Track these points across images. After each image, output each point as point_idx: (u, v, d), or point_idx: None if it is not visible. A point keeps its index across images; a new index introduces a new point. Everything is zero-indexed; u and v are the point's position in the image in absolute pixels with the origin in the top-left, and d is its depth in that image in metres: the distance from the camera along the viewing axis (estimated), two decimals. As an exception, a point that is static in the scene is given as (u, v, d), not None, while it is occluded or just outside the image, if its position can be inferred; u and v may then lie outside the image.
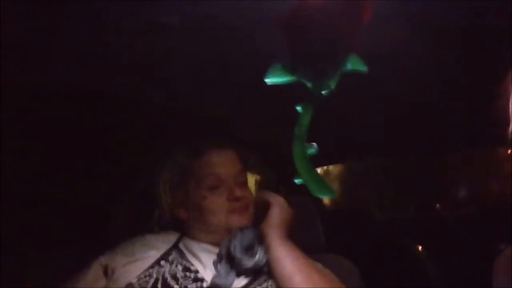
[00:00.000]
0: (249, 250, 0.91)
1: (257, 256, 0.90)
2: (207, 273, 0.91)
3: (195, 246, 0.97)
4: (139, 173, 1.27)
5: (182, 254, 0.95)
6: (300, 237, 1.12)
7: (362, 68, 0.61)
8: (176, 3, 0.77)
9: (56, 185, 1.24)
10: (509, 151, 0.54)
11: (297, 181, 0.63)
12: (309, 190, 0.64)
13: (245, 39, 0.87)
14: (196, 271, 0.91)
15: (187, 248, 0.97)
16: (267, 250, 0.91)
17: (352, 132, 1.47)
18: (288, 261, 0.88)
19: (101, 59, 0.94)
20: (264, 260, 0.90)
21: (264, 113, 1.27)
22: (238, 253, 0.89)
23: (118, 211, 1.23)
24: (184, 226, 1.02)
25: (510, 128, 0.51)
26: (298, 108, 0.63)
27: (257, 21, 0.75)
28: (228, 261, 0.90)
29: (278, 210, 0.95)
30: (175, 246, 0.97)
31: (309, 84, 0.61)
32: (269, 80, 0.61)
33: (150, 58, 0.96)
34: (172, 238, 1.00)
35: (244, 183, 1.03)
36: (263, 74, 0.63)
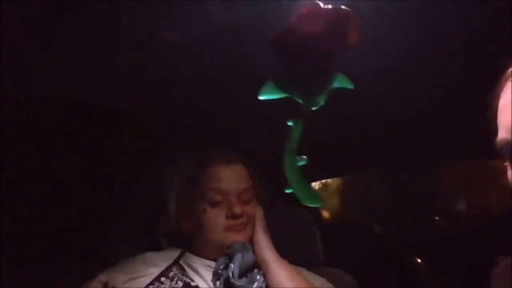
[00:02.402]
0: (248, 274, 0.90)
1: (255, 284, 0.88)
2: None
3: (196, 261, 0.97)
4: (139, 185, 1.27)
5: (183, 271, 0.95)
6: (298, 250, 1.12)
7: (349, 86, 0.65)
8: (176, 19, 0.78)
9: (56, 199, 1.24)
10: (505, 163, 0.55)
11: (287, 190, 0.67)
12: (299, 199, 0.68)
13: (240, 55, 0.88)
14: (196, 287, 0.91)
15: (188, 264, 0.97)
16: (264, 274, 0.91)
17: (350, 146, 1.47)
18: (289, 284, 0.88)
19: (102, 72, 0.95)
20: (264, 286, 0.89)
21: (261, 126, 1.28)
22: (237, 279, 0.87)
23: (118, 224, 1.23)
24: (187, 239, 1.02)
25: (496, 139, 0.52)
26: (289, 123, 0.66)
27: (254, 38, 0.76)
28: (227, 285, 0.89)
29: (260, 229, 0.94)
30: (176, 263, 0.97)
31: (300, 100, 0.64)
32: (262, 97, 0.64)
33: (151, 71, 0.97)
34: (173, 255, 0.99)
35: (248, 201, 1.00)
36: (259, 88, 0.65)
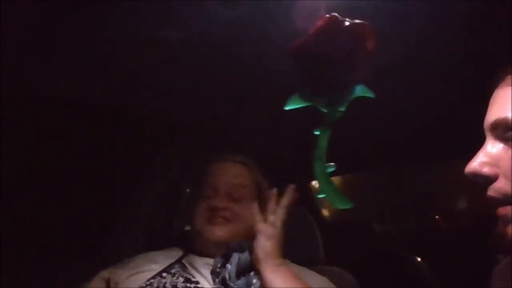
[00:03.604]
0: (244, 276, 0.90)
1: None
2: (208, 285, 0.92)
3: (198, 260, 0.98)
4: (140, 185, 1.27)
5: (184, 268, 0.96)
6: (299, 249, 1.13)
7: (370, 95, 0.69)
8: (176, 19, 0.78)
9: (56, 199, 1.24)
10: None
11: (319, 195, 0.71)
12: (331, 203, 0.72)
13: (240, 55, 0.89)
14: (197, 282, 0.92)
15: (189, 263, 0.98)
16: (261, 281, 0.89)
17: (351, 145, 1.47)
18: None
19: (102, 72, 0.95)
20: None
21: (262, 126, 1.28)
22: (233, 281, 0.88)
23: (119, 224, 1.23)
24: (191, 238, 1.03)
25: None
26: (316, 132, 0.69)
27: (254, 37, 0.76)
28: (224, 285, 0.89)
29: (263, 238, 0.90)
30: (179, 262, 0.98)
31: (324, 110, 0.67)
32: (288, 108, 0.68)
33: (151, 71, 0.97)
34: (175, 254, 1.01)
35: (238, 198, 1.01)
36: (260, 87, 0.65)
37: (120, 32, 0.81)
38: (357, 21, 0.59)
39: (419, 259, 1.92)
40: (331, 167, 0.71)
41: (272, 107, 0.79)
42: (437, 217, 3.58)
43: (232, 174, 1.04)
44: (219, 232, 0.97)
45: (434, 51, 0.90)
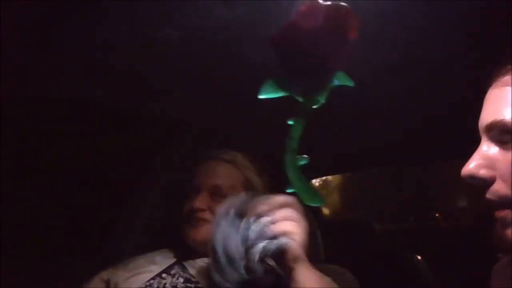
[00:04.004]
0: (232, 262, 0.71)
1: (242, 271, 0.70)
2: (208, 284, 0.91)
3: (197, 260, 0.97)
4: (140, 185, 1.27)
5: (184, 269, 0.95)
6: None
7: (349, 83, 0.65)
8: (176, 19, 0.78)
9: (56, 199, 1.24)
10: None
11: (288, 190, 0.67)
12: (301, 198, 0.68)
13: (240, 54, 0.88)
14: (197, 282, 0.92)
15: (189, 263, 0.97)
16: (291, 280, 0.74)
17: (351, 143, 1.47)
18: None
19: (102, 72, 0.95)
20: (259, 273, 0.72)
21: (261, 126, 1.28)
22: (214, 273, 0.73)
23: (119, 224, 1.23)
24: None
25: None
26: (290, 122, 0.65)
27: (254, 37, 0.76)
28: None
29: (304, 235, 0.74)
30: (178, 262, 0.97)
31: (300, 99, 0.64)
32: (262, 96, 0.64)
33: (150, 71, 0.97)
34: (174, 254, 1.00)
35: (222, 198, 0.95)
36: (259, 87, 0.65)
37: (120, 32, 0.81)
38: (337, 3, 0.55)
39: (419, 259, 1.92)
40: (303, 159, 0.67)
41: (272, 107, 0.79)
42: (436, 216, 3.58)
43: (214, 174, 1.00)
44: (198, 235, 0.95)
45: (434, 51, 0.89)
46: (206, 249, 0.94)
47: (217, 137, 1.33)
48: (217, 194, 0.98)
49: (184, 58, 0.91)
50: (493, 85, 0.54)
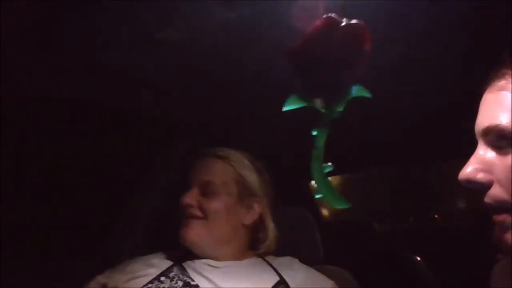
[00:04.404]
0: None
1: None
2: (209, 285, 0.91)
3: (197, 262, 0.96)
4: (140, 185, 1.27)
5: (183, 271, 0.94)
6: (298, 248, 1.13)
7: (367, 94, 0.68)
8: (176, 19, 0.78)
9: (56, 199, 1.24)
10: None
11: (317, 196, 0.71)
12: (328, 203, 0.72)
13: (240, 55, 0.88)
14: (197, 286, 0.90)
15: (189, 265, 0.96)
16: None
17: (351, 144, 1.47)
18: None
19: (102, 72, 0.95)
20: None
21: (262, 126, 1.28)
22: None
23: (119, 224, 1.23)
24: None
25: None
26: (314, 132, 0.69)
27: (254, 37, 0.76)
28: None
29: None
30: (178, 264, 0.96)
31: (322, 110, 0.67)
32: (286, 109, 0.67)
33: (150, 71, 0.97)
34: (174, 256, 0.99)
35: (213, 194, 0.97)
36: (259, 87, 0.65)
37: (120, 32, 0.81)
38: (354, 21, 0.59)
39: (419, 259, 1.92)
40: (329, 167, 0.70)
41: (272, 107, 0.79)
42: (436, 216, 3.58)
43: (206, 170, 1.00)
44: (190, 234, 0.94)
45: (434, 51, 0.90)
46: (199, 249, 0.95)
47: (217, 137, 1.33)
48: (209, 190, 0.97)
49: (184, 58, 0.91)
50: (489, 89, 0.54)
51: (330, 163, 0.70)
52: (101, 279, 0.94)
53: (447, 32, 0.83)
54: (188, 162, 1.04)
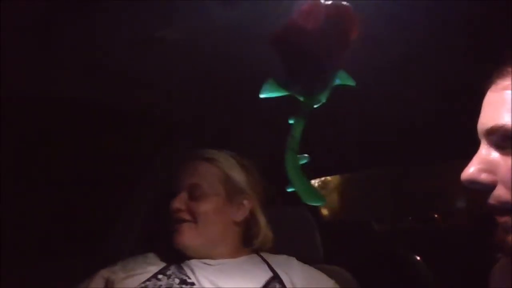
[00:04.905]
0: None
1: None
2: (208, 285, 0.91)
3: (192, 261, 0.97)
4: (139, 185, 1.27)
5: (180, 269, 0.95)
6: (298, 248, 1.13)
7: (351, 82, 0.64)
8: (176, 19, 0.78)
9: (56, 199, 1.24)
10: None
11: (289, 189, 0.66)
12: (301, 198, 0.67)
13: (240, 54, 0.88)
14: (192, 284, 0.91)
15: (186, 264, 0.97)
16: None
17: (351, 144, 1.48)
18: None
19: (102, 72, 0.95)
20: None
21: (261, 126, 1.28)
22: None
23: (119, 224, 1.23)
24: None
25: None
26: (291, 121, 0.65)
27: (254, 37, 0.76)
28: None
29: None
30: (174, 262, 0.97)
31: (301, 98, 0.63)
32: (263, 95, 0.64)
33: (150, 71, 0.97)
34: (173, 254, 0.99)
35: (201, 197, 0.97)
36: (260, 87, 0.65)
37: (120, 32, 0.81)
38: (338, 2, 0.55)
39: (418, 259, 1.92)
40: (304, 158, 0.66)
41: (272, 108, 0.79)
42: (436, 216, 3.58)
43: (192, 173, 1.00)
44: (182, 239, 0.95)
45: (434, 50, 0.90)
46: (192, 252, 0.95)
47: (217, 137, 1.33)
48: (196, 193, 0.97)
49: (184, 58, 0.91)
50: (492, 88, 0.53)
51: (306, 155, 0.67)
52: (104, 273, 0.94)
53: (447, 32, 0.83)
54: (176, 165, 1.04)
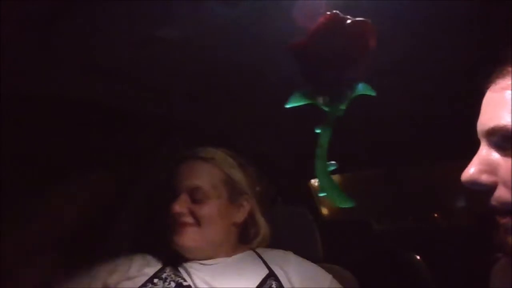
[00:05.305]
0: None
1: None
2: (203, 285, 0.91)
3: (188, 262, 0.96)
4: (139, 185, 1.27)
5: (176, 271, 0.94)
6: (298, 247, 1.13)
7: (371, 93, 0.68)
8: (176, 19, 0.78)
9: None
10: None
11: (320, 194, 0.70)
12: (333, 201, 0.72)
13: (240, 54, 0.88)
14: (189, 286, 0.90)
15: (181, 265, 0.95)
16: None
17: (351, 144, 1.48)
18: None
19: (102, 72, 0.95)
20: None
21: (262, 126, 1.28)
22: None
23: (118, 224, 1.23)
24: None
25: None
26: (317, 130, 0.68)
27: (254, 37, 0.76)
28: None
29: None
30: (170, 264, 0.96)
31: (326, 108, 0.67)
32: (289, 106, 0.67)
33: (151, 71, 0.97)
34: (166, 256, 0.98)
35: (202, 199, 0.94)
36: (260, 87, 0.65)
37: (120, 32, 0.81)
38: (358, 18, 0.59)
39: (418, 258, 1.92)
40: (332, 165, 0.70)
41: (273, 107, 0.80)
42: (436, 215, 3.58)
43: (193, 174, 0.96)
44: (184, 241, 0.93)
45: (434, 51, 0.90)
46: (193, 254, 0.94)
47: (217, 136, 1.33)
48: (198, 196, 0.95)
49: (184, 58, 0.91)
50: (492, 88, 0.53)
51: (334, 162, 0.70)
52: (102, 275, 0.92)
53: (447, 32, 0.83)
54: (174, 165, 1.01)
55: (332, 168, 0.70)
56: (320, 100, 0.66)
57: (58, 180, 1.12)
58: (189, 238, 0.93)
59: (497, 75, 0.52)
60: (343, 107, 0.67)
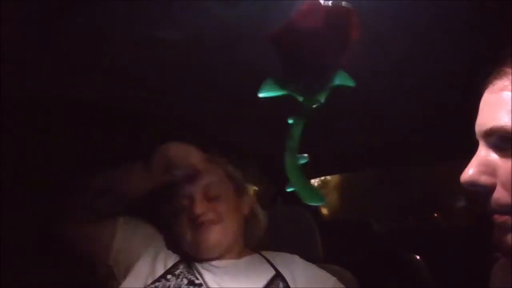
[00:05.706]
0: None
1: None
2: (215, 285, 0.91)
3: (199, 263, 0.96)
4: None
5: (189, 268, 0.95)
6: (298, 247, 1.13)
7: (350, 83, 0.64)
8: (176, 18, 0.78)
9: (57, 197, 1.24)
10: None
11: (288, 189, 0.67)
12: (301, 197, 0.68)
13: (240, 54, 0.88)
14: (200, 285, 0.91)
15: (194, 264, 0.96)
16: None
17: (351, 144, 1.48)
18: None
19: (102, 72, 0.95)
20: None
21: (262, 125, 1.28)
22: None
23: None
24: None
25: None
26: (290, 121, 0.65)
27: (254, 37, 0.76)
28: None
29: None
30: (184, 261, 0.96)
31: (300, 98, 0.64)
32: (262, 95, 0.64)
33: (151, 71, 0.97)
34: (181, 252, 0.99)
35: (217, 196, 0.96)
36: (259, 87, 0.65)
37: (120, 32, 0.81)
38: (340, 5, 0.55)
39: (418, 258, 1.92)
40: (303, 158, 0.66)
41: (272, 107, 0.80)
42: (436, 215, 3.59)
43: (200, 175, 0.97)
44: (213, 235, 0.93)
45: (432, 51, 0.90)
46: (211, 253, 0.94)
47: (217, 136, 1.33)
48: (212, 193, 0.96)
49: (184, 58, 0.91)
50: (489, 89, 0.53)
51: (305, 155, 0.67)
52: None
53: (446, 32, 0.83)
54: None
55: (303, 161, 0.66)
56: (294, 89, 0.63)
57: (58, 180, 1.12)
58: (215, 236, 0.94)
59: (495, 76, 0.52)
60: (321, 98, 0.63)
